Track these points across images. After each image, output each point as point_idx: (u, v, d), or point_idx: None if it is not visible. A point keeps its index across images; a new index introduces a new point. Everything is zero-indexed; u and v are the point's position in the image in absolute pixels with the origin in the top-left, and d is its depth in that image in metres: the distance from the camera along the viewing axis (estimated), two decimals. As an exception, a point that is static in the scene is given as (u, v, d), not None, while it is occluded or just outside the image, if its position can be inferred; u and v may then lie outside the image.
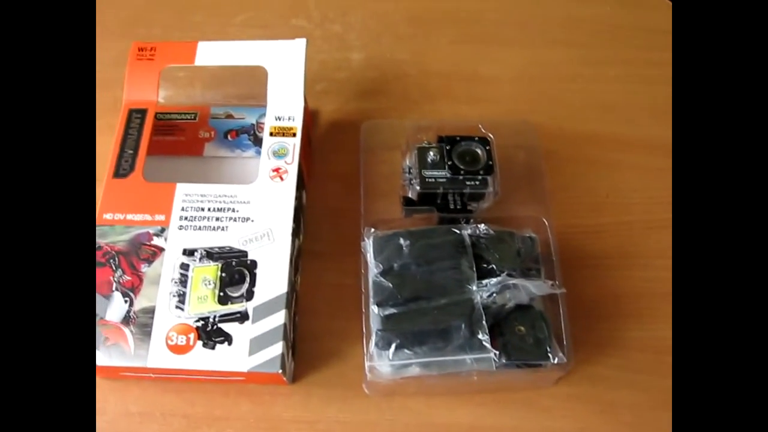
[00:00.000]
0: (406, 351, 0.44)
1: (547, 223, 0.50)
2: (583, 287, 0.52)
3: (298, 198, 0.50)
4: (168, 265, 0.47)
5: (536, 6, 0.68)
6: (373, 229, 0.48)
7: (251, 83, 0.56)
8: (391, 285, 0.45)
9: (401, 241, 0.47)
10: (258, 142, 0.55)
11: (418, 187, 0.51)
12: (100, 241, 0.48)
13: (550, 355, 0.44)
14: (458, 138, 0.52)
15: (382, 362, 0.44)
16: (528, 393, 0.49)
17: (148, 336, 0.45)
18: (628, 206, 0.57)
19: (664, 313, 0.51)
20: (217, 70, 0.61)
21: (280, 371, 0.44)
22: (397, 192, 0.53)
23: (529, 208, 0.53)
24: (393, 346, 0.44)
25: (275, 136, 0.52)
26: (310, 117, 0.57)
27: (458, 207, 0.51)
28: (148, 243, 0.48)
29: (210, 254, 0.47)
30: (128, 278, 0.46)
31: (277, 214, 0.49)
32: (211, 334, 0.45)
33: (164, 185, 0.50)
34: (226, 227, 0.48)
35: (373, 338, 0.44)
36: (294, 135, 0.52)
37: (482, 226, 0.48)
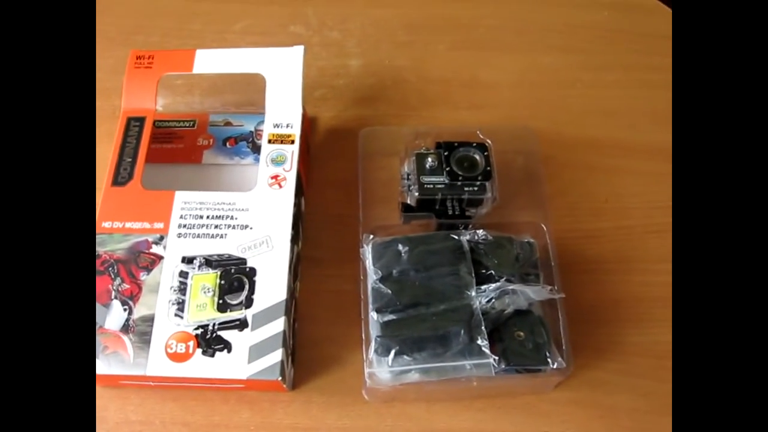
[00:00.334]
0: (405, 357, 0.44)
1: (545, 229, 0.50)
2: (582, 292, 0.52)
3: (297, 205, 0.50)
4: (167, 273, 0.47)
5: (534, 12, 0.69)
6: (371, 236, 0.49)
7: (249, 90, 0.56)
8: (390, 291, 0.45)
9: (400, 247, 0.47)
10: (256, 149, 0.55)
11: (416, 193, 0.51)
12: (98, 249, 0.48)
13: (549, 360, 0.44)
14: (456, 144, 0.52)
15: (381, 368, 0.44)
16: (527, 398, 0.49)
17: (147, 344, 0.45)
18: (627, 211, 0.57)
19: (664, 318, 0.51)
20: (216, 77, 0.61)
21: (280, 378, 0.44)
22: (396, 198, 0.54)
23: (528, 214, 0.53)
24: (392, 353, 0.44)
25: (274, 143, 0.52)
26: (308, 124, 0.57)
27: (457, 213, 0.51)
28: (146, 251, 0.48)
29: (209, 262, 0.47)
30: (127, 286, 0.47)
31: (276, 221, 0.49)
32: (210, 341, 0.45)
33: (163, 193, 0.50)
34: (225, 235, 0.48)
35: (373, 345, 0.44)
36: (292, 142, 0.52)
37: (481, 232, 0.48)
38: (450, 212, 0.51)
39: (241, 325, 0.45)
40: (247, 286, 0.46)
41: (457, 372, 0.44)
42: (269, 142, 0.52)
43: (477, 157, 0.52)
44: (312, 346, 0.50)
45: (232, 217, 0.49)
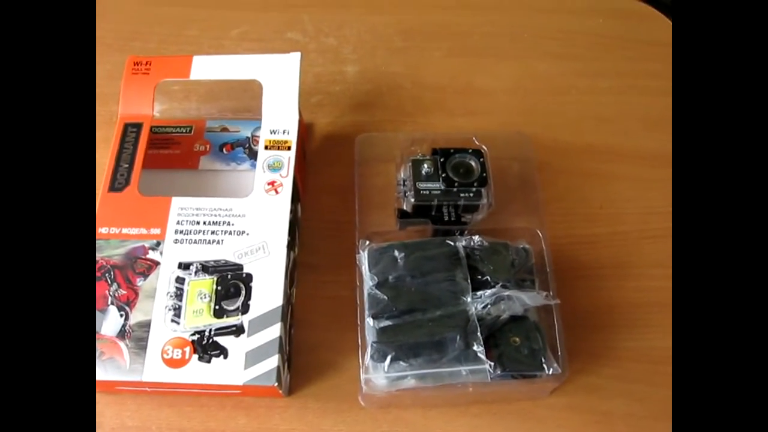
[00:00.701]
0: (401, 363, 0.44)
1: (541, 234, 0.51)
2: (578, 298, 0.52)
3: (293, 211, 0.51)
4: (163, 279, 0.47)
5: (529, 19, 0.69)
6: (368, 242, 0.49)
7: (246, 97, 0.57)
8: (386, 297, 0.46)
9: (396, 253, 0.47)
10: (253, 155, 0.55)
11: (412, 200, 0.51)
12: (95, 255, 0.48)
13: (545, 365, 0.44)
14: (452, 150, 0.53)
15: (377, 374, 0.45)
16: (523, 404, 0.49)
17: (143, 350, 0.45)
18: (622, 217, 0.57)
19: (659, 323, 0.52)
20: (213, 83, 0.62)
21: (276, 384, 0.44)
22: (392, 204, 0.54)
23: (523, 220, 0.53)
24: (388, 359, 0.44)
25: (270, 149, 0.52)
26: (304, 130, 0.57)
27: (452, 219, 0.51)
28: (143, 257, 0.48)
29: (205, 268, 0.47)
30: (124, 292, 0.47)
31: (273, 227, 0.49)
32: (206, 347, 0.45)
33: (160, 199, 0.50)
34: (222, 241, 0.48)
35: (369, 350, 0.45)
36: (289, 148, 0.52)
37: (476, 238, 0.48)
38: (446, 218, 0.52)
39: (238, 330, 0.45)
40: (243, 292, 0.46)
41: (453, 378, 0.44)
42: (266, 148, 0.52)
43: (473, 163, 0.52)
44: (308, 351, 0.50)
45: (228, 223, 0.49)
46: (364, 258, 0.48)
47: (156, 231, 0.49)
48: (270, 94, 0.53)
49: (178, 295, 0.46)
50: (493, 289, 0.45)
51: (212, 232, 0.48)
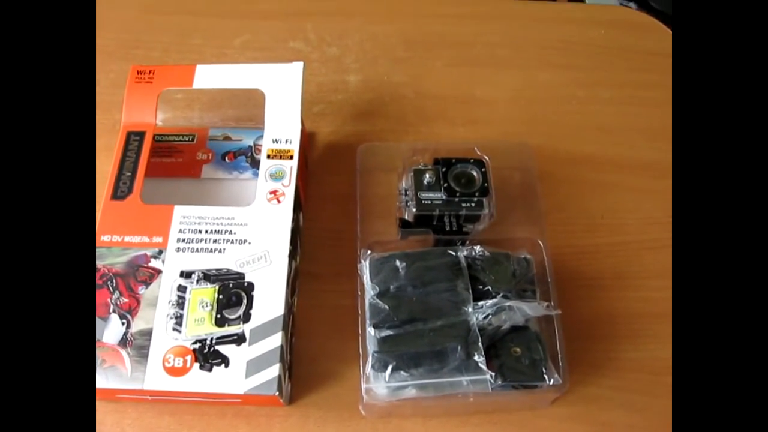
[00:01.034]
0: (402, 373, 0.44)
1: (542, 245, 0.51)
2: (579, 308, 0.52)
3: (295, 220, 0.51)
4: (165, 287, 0.47)
5: (531, 29, 0.69)
6: (369, 251, 0.49)
7: (249, 106, 0.57)
8: (387, 307, 0.46)
9: (397, 263, 0.47)
10: (255, 164, 0.55)
11: (414, 209, 0.51)
12: (97, 263, 0.48)
13: (545, 376, 0.45)
14: (454, 160, 0.53)
15: (378, 384, 0.45)
16: (524, 414, 0.49)
17: (145, 358, 0.45)
18: (623, 227, 0.57)
19: (660, 334, 0.52)
20: (215, 92, 0.62)
21: (277, 393, 0.44)
22: (394, 214, 0.54)
23: (525, 230, 0.53)
24: (389, 368, 0.44)
25: (272, 158, 0.52)
26: (307, 139, 0.57)
27: (454, 229, 0.52)
28: (145, 265, 0.48)
29: (207, 276, 0.47)
30: (125, 300, 0.47)
31: (274, 236, 0.49)
32: (208, 356, 0.45)
33: (162, 207, 0.50)
34: (224, 249, 0.48)
35: (370, 360, 0.45)
36: (291, 157, 0.52)
37: (478, 248, 0.48)
38: (447, 228, 0.52)
39: (239, 339, 0.45)
40: (245, 301, 0.47)
41: (453, 388, 0.44)
42: (268, 157, 0.52)
43: (474, 173, 0.53)
44: (309, 361, 0.50)
45: (230, 232, 0.49)
46: (365, 267, 0.48)
47: (158, 239, 0.49)
48: (272, 103, 0.54)
49: (180, 303, 0.46)
50: (495, 300, 0.46)
51: (214, 241, 0.49)
